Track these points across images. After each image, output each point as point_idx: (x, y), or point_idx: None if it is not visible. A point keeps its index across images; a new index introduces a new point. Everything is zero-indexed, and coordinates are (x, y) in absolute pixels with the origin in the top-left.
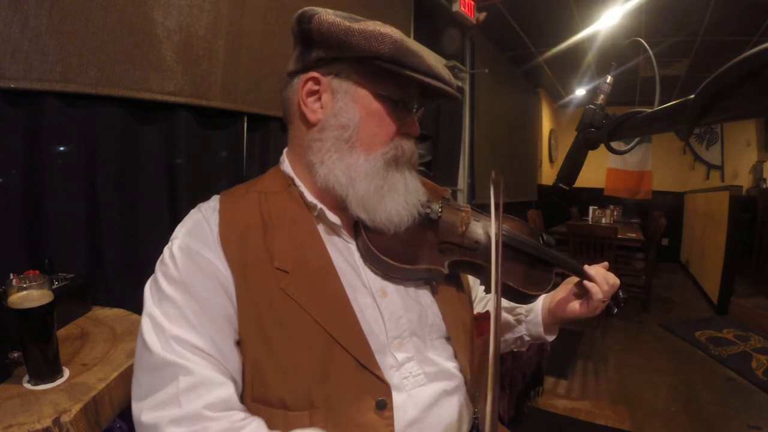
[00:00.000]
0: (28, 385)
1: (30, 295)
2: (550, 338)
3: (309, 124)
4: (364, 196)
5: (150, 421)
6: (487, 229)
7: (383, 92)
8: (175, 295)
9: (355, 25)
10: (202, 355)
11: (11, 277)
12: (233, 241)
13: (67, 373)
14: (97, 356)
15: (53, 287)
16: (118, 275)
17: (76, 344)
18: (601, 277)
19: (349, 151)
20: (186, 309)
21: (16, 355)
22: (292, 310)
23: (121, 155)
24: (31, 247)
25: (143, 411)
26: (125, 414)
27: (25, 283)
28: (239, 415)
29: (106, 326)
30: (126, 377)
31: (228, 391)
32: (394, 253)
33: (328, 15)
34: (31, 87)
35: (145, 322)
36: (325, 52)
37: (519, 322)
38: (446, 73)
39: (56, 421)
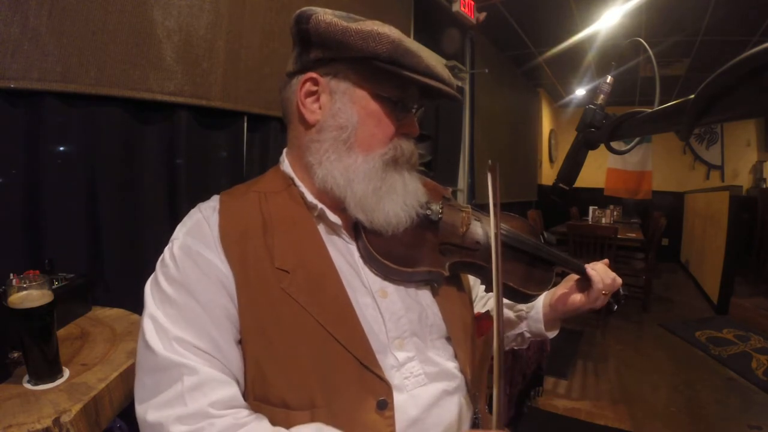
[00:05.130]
0: (28, 385)
1: (30, 295)
2: (551, 335)
3: (307, 125)
4: (362, 198)
5: (155, 420)
6: (487, 229)
7: (382, 92)
8: (176, 296)
9: (353, 25)
10: (205, 356)
11: (11, 277)
12: (233, 241)
13: (67, 373)
14: (97, 356)
15: (53, 287)
16: (118, 275)
17: (76, 344)
18: (602, 268)
19: (347, 152)
20: (187, 310)
21: (16, 355)
22: (292, 310)
23: (121, 155)
24: (31, 247)
25: (148, 411)
26: (125, 414)
27: (25, 283)
28: (244, 412)
29: (106, 326)
30: (126, 377)
31: (232, 389)
32: (393, 255)
33: (326, 15)
34: (31, 87)
35: (147, 324)
36: (323, 52)
37: (520, 318)
38: (445, 73)
39: (56, 421)
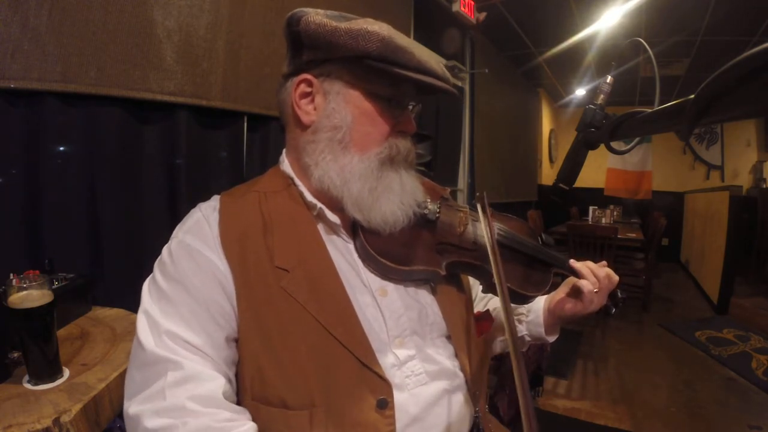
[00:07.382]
0: (28, 385)
1: (30, 295)
2: (551, 339)
3: (303, 126)
4: (358, 197)
5: (134, 413)
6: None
7: (375, 91)
8: (171, 292)
9: (343, 25)
10: (195, 351)
11: (11, 277)
12: (233, 240)
13: (67, 373)
14: (97, 356)
15: (53, 287)
16: (118, 275)
17: (76, 344)
18: (587, 270)
19: (343, 152)
20: (182, 305)
21: (16, 355)
22: (292, 309)
23: (121, 155)
24: (31, 247)
25: (131, 405)
26: None
27: (25, 283)
28: (224, 414)
29: (106, 326)
30: None
31: (217, 386)
32: (390, 254)
33: (316, 16)
34: (31, 87)
35: (141, 320)
36: (314, 53)
37: (519, 322)
38: (439, 68)
39: (56, 421)
